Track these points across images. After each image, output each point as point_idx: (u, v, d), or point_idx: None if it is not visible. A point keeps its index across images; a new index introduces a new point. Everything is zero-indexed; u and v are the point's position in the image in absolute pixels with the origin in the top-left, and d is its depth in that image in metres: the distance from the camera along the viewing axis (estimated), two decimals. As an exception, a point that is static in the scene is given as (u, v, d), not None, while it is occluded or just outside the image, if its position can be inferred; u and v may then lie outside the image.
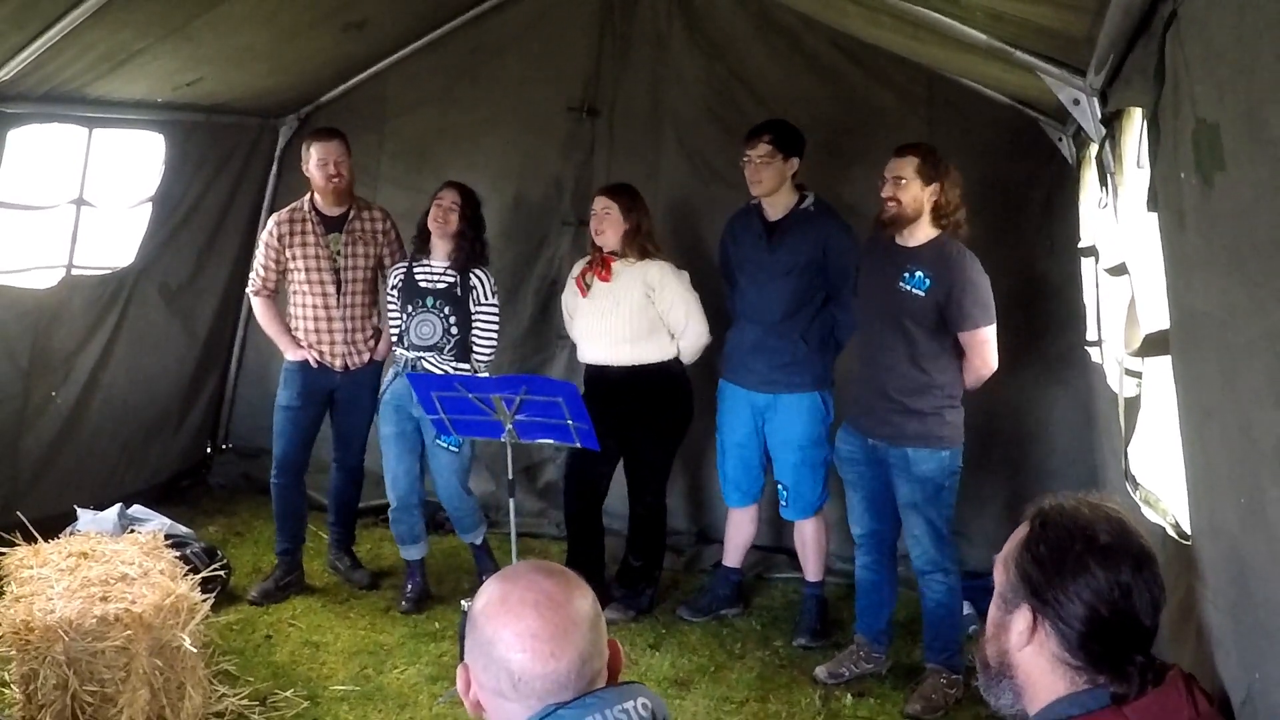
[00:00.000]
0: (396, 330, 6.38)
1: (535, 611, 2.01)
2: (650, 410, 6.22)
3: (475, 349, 6.30)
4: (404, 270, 6.38)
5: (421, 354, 6.27)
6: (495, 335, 6.37)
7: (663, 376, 6.23)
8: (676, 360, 6.26)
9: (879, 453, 5.49)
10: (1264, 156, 1.74)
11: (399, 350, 6.36)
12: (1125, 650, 2.11)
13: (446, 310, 6.25)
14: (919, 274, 5.28)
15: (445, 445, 6.24)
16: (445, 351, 6.26)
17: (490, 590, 2.09)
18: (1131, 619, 2.11)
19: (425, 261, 6.33)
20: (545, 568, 2.14)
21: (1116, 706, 2.08)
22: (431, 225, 6.23)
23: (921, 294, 5.27)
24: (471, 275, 6.27)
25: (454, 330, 6.26)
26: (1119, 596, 2.10)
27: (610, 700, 1.99)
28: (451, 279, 6.27)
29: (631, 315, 6.13)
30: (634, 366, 6.17)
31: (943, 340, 5.33)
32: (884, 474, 5.52)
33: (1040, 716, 2.17)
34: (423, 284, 6.30)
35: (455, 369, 6.21)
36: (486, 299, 6.28)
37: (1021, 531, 2.26)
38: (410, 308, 6.29)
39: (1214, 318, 2.20)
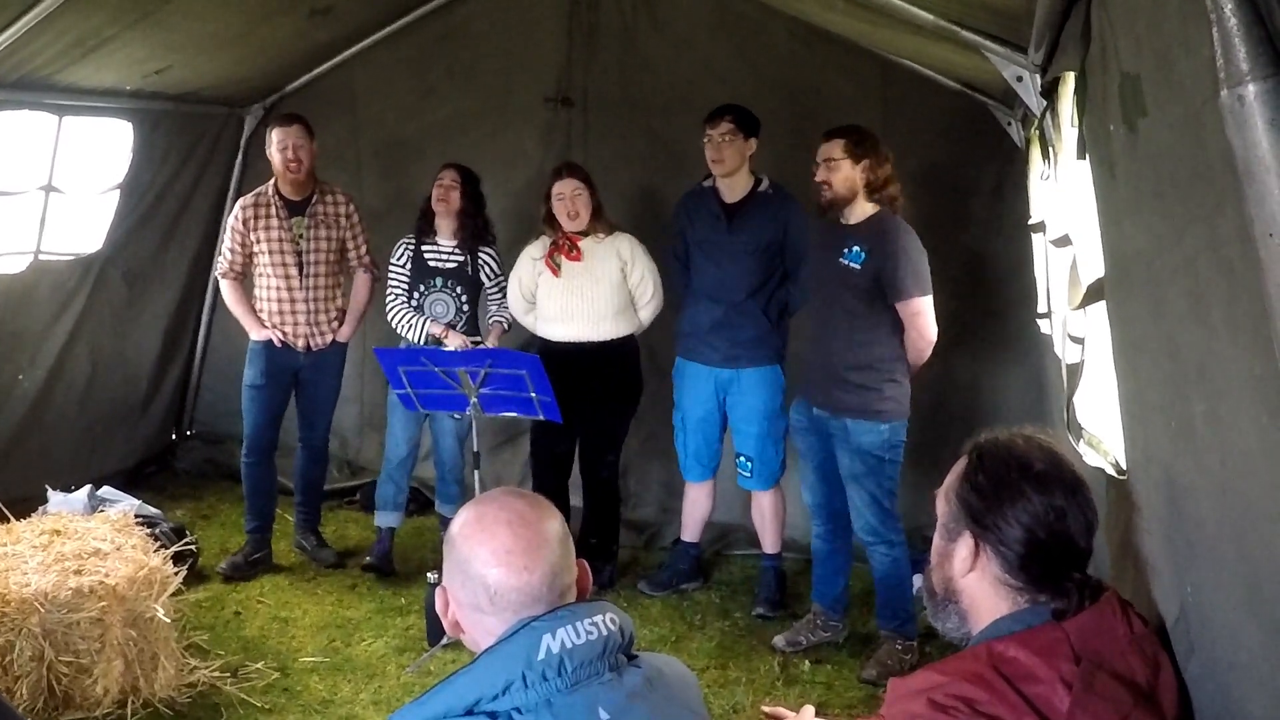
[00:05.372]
0: (404, 305, 6.60)
1: (509, 529, 2.12)
2: (612, 384, 6.37)
3: (495, 316, 6.67)
4: (411, 248, 6.63)
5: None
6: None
7: (625, 351, 6.41)
8: (633, 335, 6.44)
9: (822, 423, 5.64)
10: (1176, 97, 1.87)
11: (409, 322, 6.57)
12: (1062, 569, 2.23)
13: (459, 290, 6.57)
14: (856, 249, 5.44)
15: (452, 414, 6.43)
16: (459, 328, 6.53)
17: (466, 513, 2.20)
18: (1067, 540, 2.23)
19: (432, 241, 6.61)
20: (516, 492, 2.27)
21: (1055, 622, 2.19)
22: (435, 205, 6.52)
23: (858, 267, 5.42)
24: (480, 254, 6.59)
25: (465, 308, 6.58)
26: (1054, 519, 2.22)
27: (580, 614, 2.09)
28: (460, 258, 6.56)
29: (612, 291, 6.30)
30: (607, 342, 6.33)
31: (881, 314, 5.47)
32: (830, 444, 5.67)
33: (984, 634, 2.26)
34: (432, 263, 6.58)
35: (473, 343, 6.49)
36: (497, 273, 6.63)
37: (960, 464, 2.39)
38: (422, 286, 6.57)
39: (1142, 255, 2.33)
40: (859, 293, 5.45)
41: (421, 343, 6.48)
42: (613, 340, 6.35)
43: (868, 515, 5.57)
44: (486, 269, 6.63)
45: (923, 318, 5.45)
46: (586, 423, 6.40)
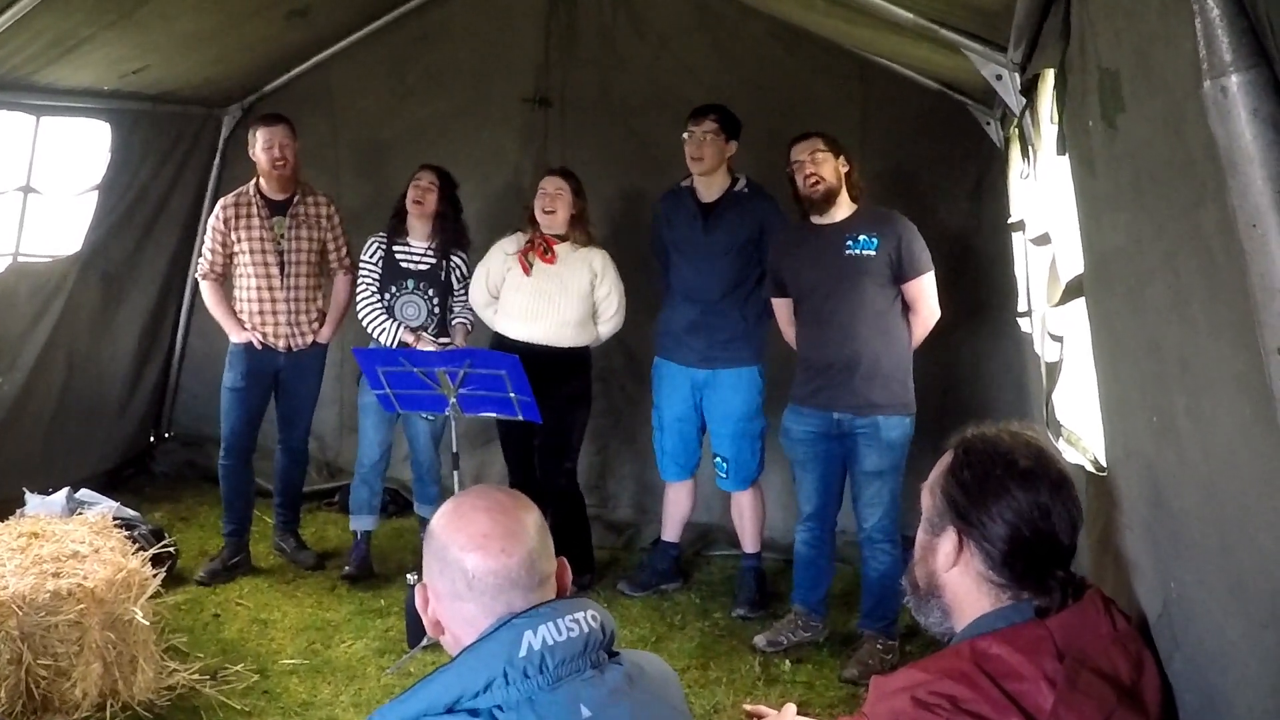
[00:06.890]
0: (377, 305, 6.52)
1: (486, 515, 2.14)
2: (565, 390, 6.24)
3: (459, 318, 6.61)
4: (382, 248, 6.56)
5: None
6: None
7: (579, 360, 6.39)
8: (588, 347, 6.44)
9: (844, 426, 5.60)
10: (1155, 91, 1.87)
11: (382, 325, 6.49)
12: (1046, 566, 2.23)
13: (430, 292, 6.53)
14: (863, 237, 5.51)
15: (424, 415, 6.41)
16: (429, 331, 6.49)
17: (446, 506, 2.23)
18: (1051, 537, 2.23)
19: (404, 241, 6.55)
20: (495, 487, 2.31)
21: (1039, 619, 2.19)
22: (410, 205, 6.46)
23: (874, 253, 5.49)
24: (453, 258, 6.55)
25: (436, 310, 6.53)
26: (1039, 516, 2.22)
27: (562, 610, 2.09)
28: (433, 261, 6.52)
29: (579, 300, 6.26)
30: (565, 349, 6.28)
31: (895, 302, 5.56)
32: (843, 450, 5.65)
33: (967, 631, 2.26)
34: (404, 264, 6.53)
35: (441, 344, 6.44)
36: (466, 278, 6.57)
37: (946, 459, 2.38)
38: (394, 288, 6.51)
39: (1122, 251, 2.33)
40: (878, 279, 5.50)
41: (395, 347, 6.43)
42: (570, 348, 6.32)
43: (880, 513, 5.59)
44: (458, 272, 6.58)
45: (932, 293, 5.58)
46: (541, 427, 6.22)
